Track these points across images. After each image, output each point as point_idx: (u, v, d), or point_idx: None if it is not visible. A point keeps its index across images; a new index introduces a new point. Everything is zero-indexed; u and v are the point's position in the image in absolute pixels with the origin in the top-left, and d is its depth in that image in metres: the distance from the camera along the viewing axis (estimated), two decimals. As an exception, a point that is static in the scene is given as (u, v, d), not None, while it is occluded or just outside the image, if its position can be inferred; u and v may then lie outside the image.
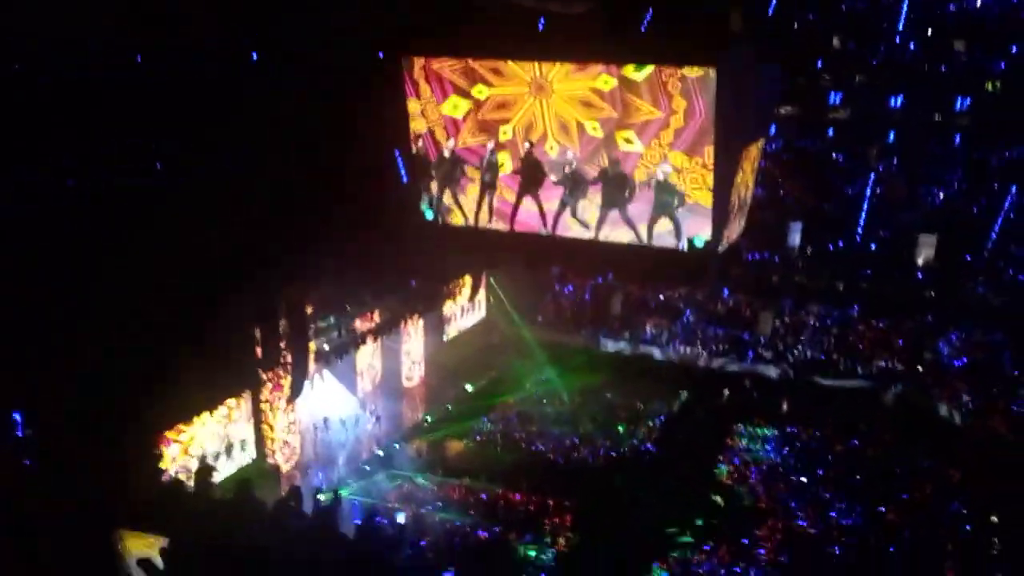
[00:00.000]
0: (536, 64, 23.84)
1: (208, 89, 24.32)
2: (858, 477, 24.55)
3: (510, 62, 24.15)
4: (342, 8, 27.40)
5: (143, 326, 19.28)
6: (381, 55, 28.63)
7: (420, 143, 25.95)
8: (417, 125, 25.63)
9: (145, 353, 19.03)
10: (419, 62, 24.77)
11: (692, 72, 22.28)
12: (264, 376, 23.00)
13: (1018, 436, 24.78)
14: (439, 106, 25.20)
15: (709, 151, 22.97)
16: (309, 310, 24.31)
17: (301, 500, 15.71)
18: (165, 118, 23.34)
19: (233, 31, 25.68)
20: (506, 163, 25.27)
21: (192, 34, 24.15)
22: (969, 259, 31.99)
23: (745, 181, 27.26)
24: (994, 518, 21.99)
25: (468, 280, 33.22)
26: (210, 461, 21.06)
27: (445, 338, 32.21)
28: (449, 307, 32.35)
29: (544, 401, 30.03)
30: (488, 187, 25.58)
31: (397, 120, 28.63)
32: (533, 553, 21.06)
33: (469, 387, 30.60)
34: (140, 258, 19.72)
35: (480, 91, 24.53)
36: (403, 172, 30.42)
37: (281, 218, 24.29)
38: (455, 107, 25.01)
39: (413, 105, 25.38)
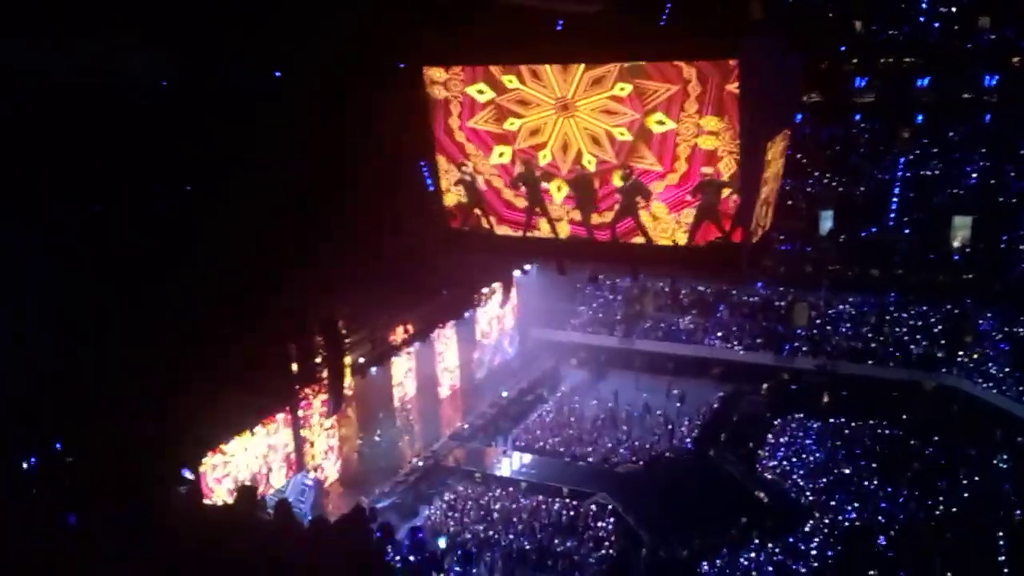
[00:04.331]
0: (556, 85, 23.65)
1: (230, 109, 24.37)
2: (903, 468, 24.15)
3: (534, 88, 23.95)
4: (354, 22, 27.35)
5: (176, 350, 19.39)
6: (401, 65, 28.64)
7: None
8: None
9: (181, 376, 19.15)
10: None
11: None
12: (302, 392, 23.08)
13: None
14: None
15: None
16: (342, 324, 24.38)
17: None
18: (188, 140, 23.42)
19: (250, 50, 25.70)
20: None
21: (209, 54, 24.18)
22: (1005, 239, 31.35)
23: (774, 172, 26.92)
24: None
25: (499, 287, 33.12)
26: (253, 480, 21.20)
27: (479, 345, 32.15)
28: (481, 313, 32.29)
29: (579, 403, 29.93)
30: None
31: (421, 129, 28.66)
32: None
33: (505, 393, 30.54)
34: (171, 283, 19.82)
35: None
36: (428, 181, 30.40)
37: (309, 234, 24.35)
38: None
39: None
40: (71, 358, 18.08)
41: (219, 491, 20.26)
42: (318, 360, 23.42)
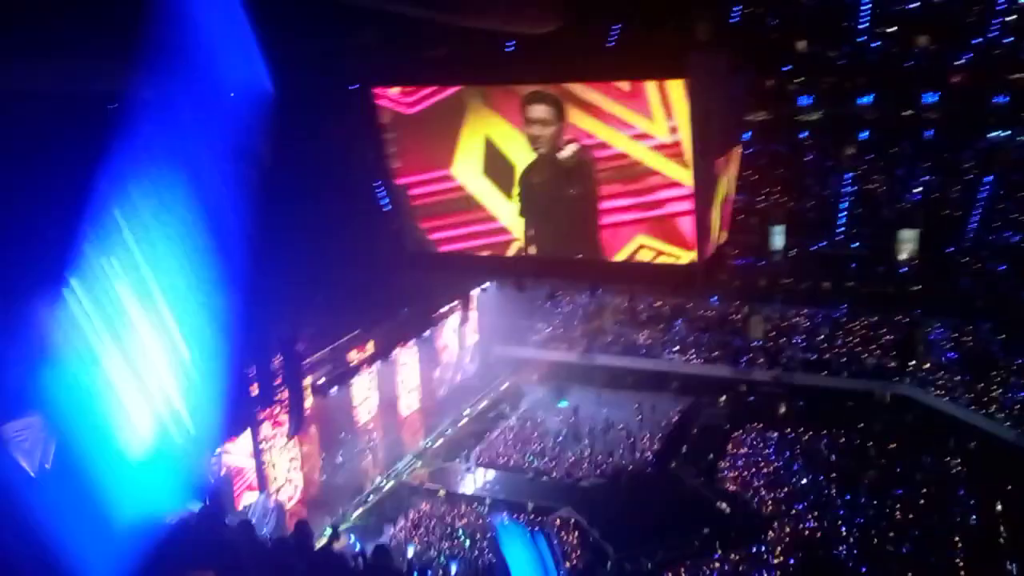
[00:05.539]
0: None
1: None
2: (860, 476, 24.60)
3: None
4: (308, 44, 27.26)
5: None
6: (353, 87, 28.59)
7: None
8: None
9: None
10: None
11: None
12: (263, 414, 22.82)
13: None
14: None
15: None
16: (302, 346, 24.19)
17: (310, 536, 15.66)
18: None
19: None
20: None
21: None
22: (951, 251, 32.27)
23: (726, 189, 27.45)
24: (999, 507, 22.14)
25: (459, 304, 33.14)
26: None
27: (440, 363, 32.09)
28: (441, 331, 32.27)
29: (542, 419, 30.04)
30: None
31: (376, 150, 28.65)
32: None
33: (467, 410, 30.51)
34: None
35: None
36: (386, 201, 30.38)
37: (268, 253, 24.11)
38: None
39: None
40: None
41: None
42: (278, 381, 23.22)
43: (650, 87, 22.82)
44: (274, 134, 26.01)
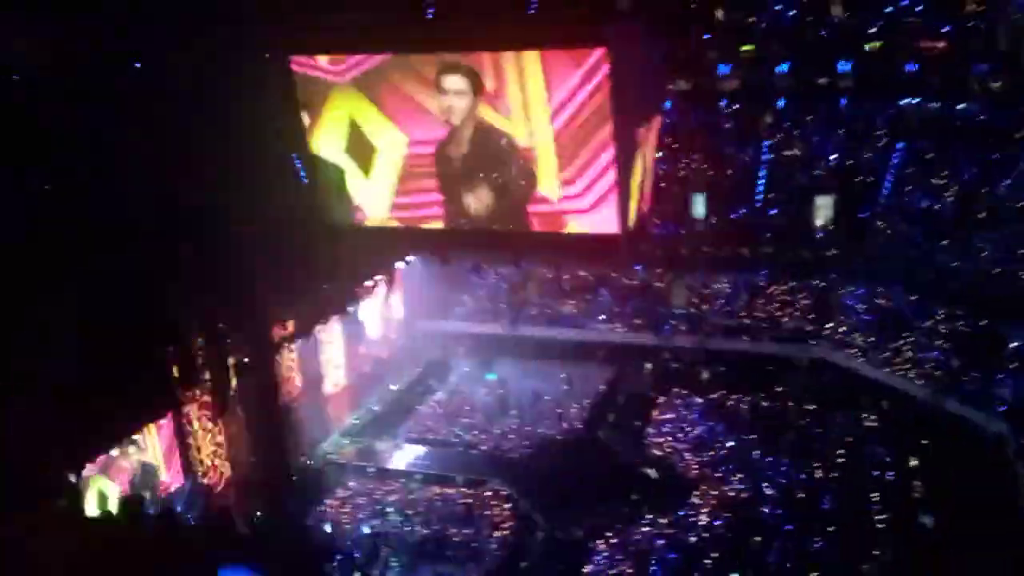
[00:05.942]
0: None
1: (89, 103, 23.02)
2: (782, 438, 25.25)
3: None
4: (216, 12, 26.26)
5: (45, 355, 18.33)
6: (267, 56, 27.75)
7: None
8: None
9: (51, 384, 18.13)
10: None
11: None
12: (184, 396, 22.21)
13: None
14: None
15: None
16: (223, 324, 23.58)
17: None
18: (49, 132, 21.99)
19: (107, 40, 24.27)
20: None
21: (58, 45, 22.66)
22: (865, 216, 33.08)
23: (646, 158, 27.56)
24: (914, 462, 22.97)
25: (382, 279, 32.69)
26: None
27: (365, 339, 31.68)
28: (365, 307, 31.82)
29: (470, 392, 29.99)
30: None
31: (292, 121, 27.90)
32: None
33: (393, 386, 30.28)
34: (34, 284, 18.64)
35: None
36: (303, 174, 29.67)
37: (183, 232, 23.38)
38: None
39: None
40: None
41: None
42: (199, 362, 22.60)
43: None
44: (191, 102, 25.22)
